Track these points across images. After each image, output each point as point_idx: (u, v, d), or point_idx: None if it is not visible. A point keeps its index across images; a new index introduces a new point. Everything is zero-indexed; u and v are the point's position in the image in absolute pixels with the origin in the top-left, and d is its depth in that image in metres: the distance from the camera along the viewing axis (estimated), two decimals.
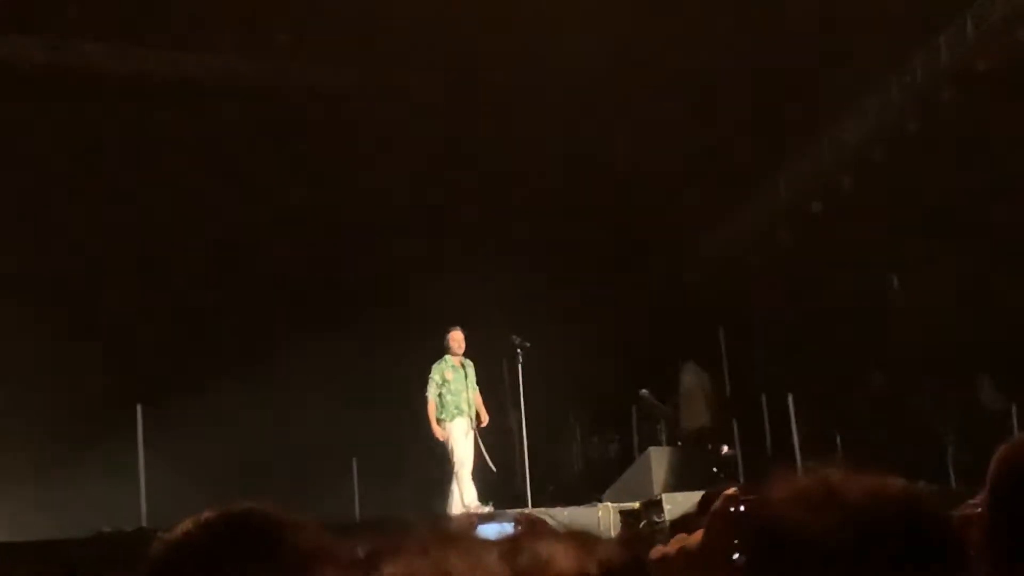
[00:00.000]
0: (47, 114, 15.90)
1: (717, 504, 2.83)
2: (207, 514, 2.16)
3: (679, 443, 16.62)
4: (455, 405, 13.68)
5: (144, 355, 16.06)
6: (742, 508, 2.74)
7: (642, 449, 15.91)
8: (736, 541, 2.45)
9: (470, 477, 13.56)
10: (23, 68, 15.81)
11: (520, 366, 13.79)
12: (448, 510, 13.32)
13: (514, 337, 13.80)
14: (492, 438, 14.26)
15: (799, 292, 17.08)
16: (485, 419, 13.76)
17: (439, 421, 13.62)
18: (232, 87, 17.06)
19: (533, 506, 13.19)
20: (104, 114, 16.19)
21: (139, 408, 12.64)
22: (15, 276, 15.55)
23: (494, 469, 13.70)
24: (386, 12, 15.83)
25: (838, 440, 15.83)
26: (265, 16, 16.11)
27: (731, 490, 2.85)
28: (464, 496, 13.47)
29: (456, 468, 13.55)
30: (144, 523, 11.98)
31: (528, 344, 13.72)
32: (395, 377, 15.49)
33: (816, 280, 16.83)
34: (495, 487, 14.18)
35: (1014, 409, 14.26)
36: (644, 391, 17.36)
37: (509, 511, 12.96)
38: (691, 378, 17.27)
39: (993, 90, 14.99)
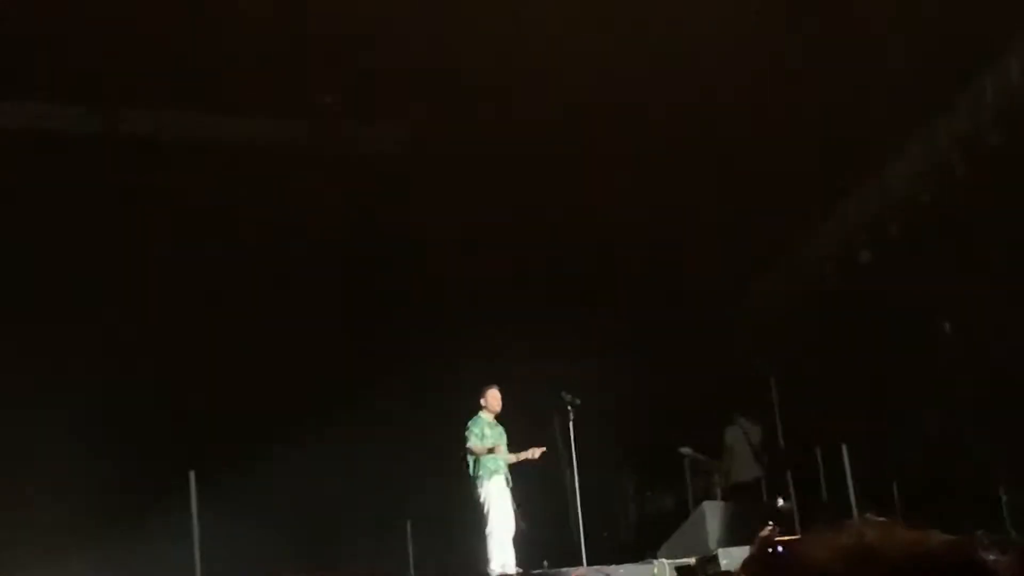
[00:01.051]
0: (92, 178, 16.01)
1: (754, 546, 2.82)
2: None
3: (728, 498, 16.48)
4: (493, 462, 13.62)
5: (196, 421, 16.11)
6: (779, 549, 2.71)
7: (696, 503, 15.80)
8: None
9: (506, 540, 13.45)
10: (73, 137, 15.96)
11: (571, 423, 13.75)
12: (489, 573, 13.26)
13: (564, 394, 13.77)
14: (545, 495, 14.23)
15: (851, 340, 16.95)
16: (538, 452, 13.72)
17: (476, 478, 13.56)
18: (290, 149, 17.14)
19: (588, 563, 13.11)
20: (145, 178, 16.27)
21: (192, 475, 12.67)
22: (70, 342, 15.67)
23: (523, 526, 13.62)
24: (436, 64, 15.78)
25: (895, 488, 15.66)
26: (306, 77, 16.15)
27: (766, 531, 2.84)
28: (493, 559, 13.36)
29: (490, 529, 13.46)
30: None
31: (578, 401, 13.68)
32: (444, 436, 15.51)
33: (867, 327, 16.71)
34: (551, 545, 14.12)
35: None
36: (685, 449, 17.26)
37: (564, 570, 12.95)
38: (733, 434, 17.14)
39: None
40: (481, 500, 13.57)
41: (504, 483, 13.60)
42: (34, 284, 15.74)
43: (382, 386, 16.82)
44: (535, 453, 13.77)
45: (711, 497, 16.30)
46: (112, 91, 15.74)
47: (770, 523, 15.75)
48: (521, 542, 13.65)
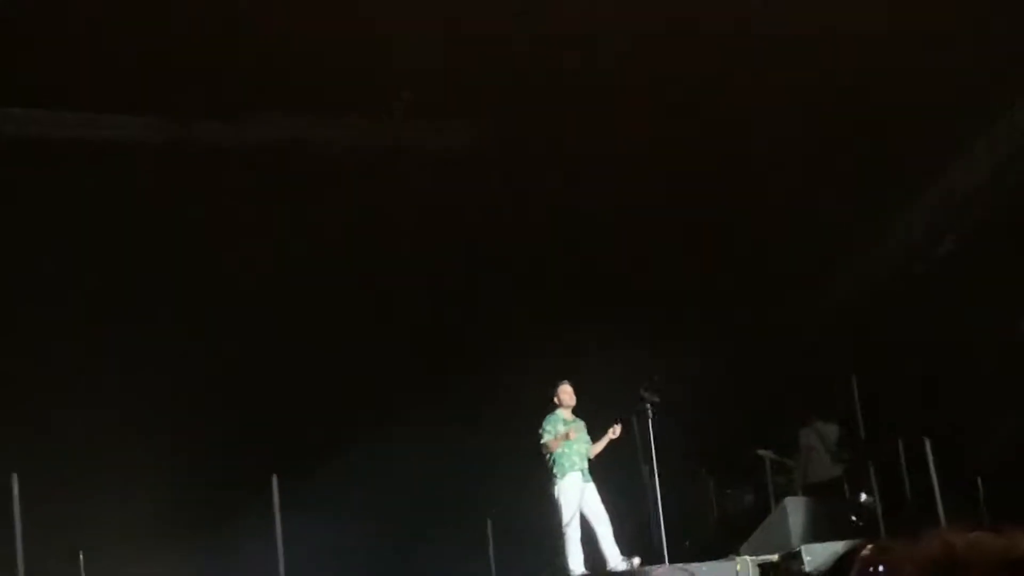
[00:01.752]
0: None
1: (855, 570, 2.79)
2: None
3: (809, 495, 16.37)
4: (567, 459, 13.62)
5: (278, 424, 16.24)
6: (881, 569, 2.69)
7: (778, 500, 15.70)
8: None
9: (578, 540, 13.46)
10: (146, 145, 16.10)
11: (650, 421, 13.71)
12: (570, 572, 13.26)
13: (643, 392, 13.73)
14: (626, 495, 14.20)
15: (934, 333, 16.77)
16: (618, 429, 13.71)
17: (552, 476, 13.58)
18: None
19: (670, 561, 13.08)
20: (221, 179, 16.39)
21: (275, 478, 12.79)
22: (153, 348, 15.86)
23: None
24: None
25: (979, 484, 15.47)
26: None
27: (866, 551, 2.80)
28: (571, 559, 13.36)
29: (565, 526, 13.47)
30: None
31: (657, 399, 13.64)
32: (524, 431, 15.57)
33: (951, 320, 16.52)
34: (633, 543, 14.08)
35: None
36: (763, 451, 17.18)
37: (646, 568, 12.93)
38: (807, 436, 17.05)
39: None
40: (556, 497, 13.60)
41: (580, 479, 13.60)
42: (121, 283, 15.84)
43: (460, 384, 16.89)
44: (615, 431, 13.73)
45: (792, 493, 16.20)
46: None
47: (854, 519, 15.70)
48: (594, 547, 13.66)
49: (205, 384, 16.13)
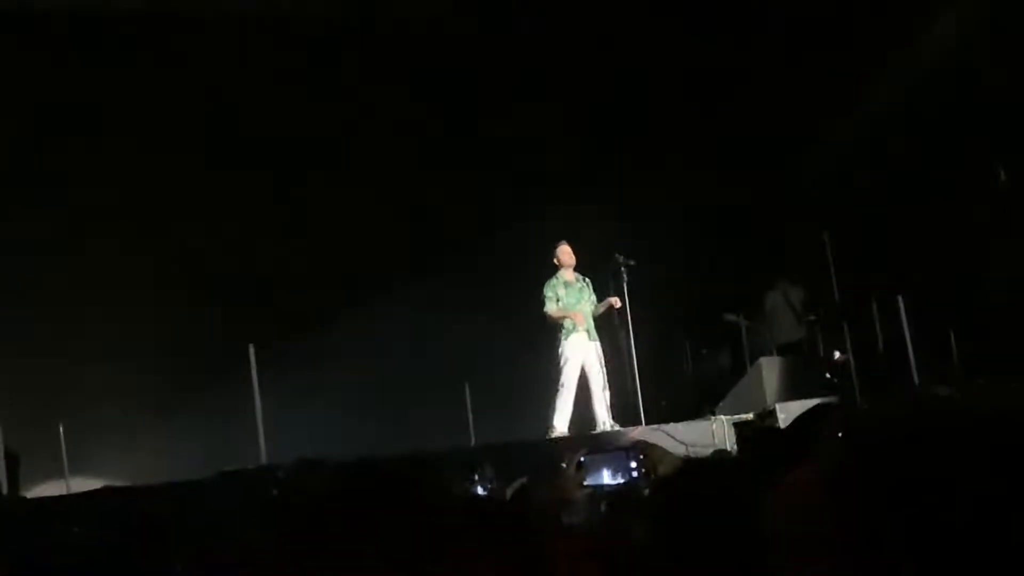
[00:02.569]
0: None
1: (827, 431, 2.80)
2: None
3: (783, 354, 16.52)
4: (571, 322, 13.71)
5: (252, 294, 16.19)
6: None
7: (753, 360, 15.83)
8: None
9: (570, 400, 13.59)
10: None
11: (626, 284, 13.76)
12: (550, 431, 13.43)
13: (618, 256, 13.76)
14: (604, 357, 14.27)
15: (905, 192, 16.77)
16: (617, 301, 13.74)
17: (556, 336, 13.68)
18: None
19: (646, 423, 13.22)
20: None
21: (251, 348, 12.79)
22: (117, 218, 15.75)
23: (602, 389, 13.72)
24: None
25: (952, 340, 15.61)
26: None
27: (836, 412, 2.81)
28: (556, 418, 13.52)
29: (562, 382, 13.61)
30: (264, 460, 12.14)
31: (632, 262, 13.66)
32: (499, 298, 15.62)
33: (922, 178, 16.53)
34: (611, 405, 14.18)
35: None
36: (729, 315, 17.27)
37: (623, 429, 13.06)
38: (773, 299, 17.17)
39: None
40: (560, 354, 13.74)
41: (586, 338, 13.71)
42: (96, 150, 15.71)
43: (437, 251, 16.89)
44: (615, 302, 13.80)
45: (767, 353, 16.33)
46: None
47: (828, 376, 15.86)
48: (586, 405, 13.81)
49: (183, 256, 16.06)
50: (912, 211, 16.69)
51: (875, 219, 17.21)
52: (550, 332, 13.86)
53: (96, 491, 11.36)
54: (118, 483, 13.07)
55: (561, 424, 13.53)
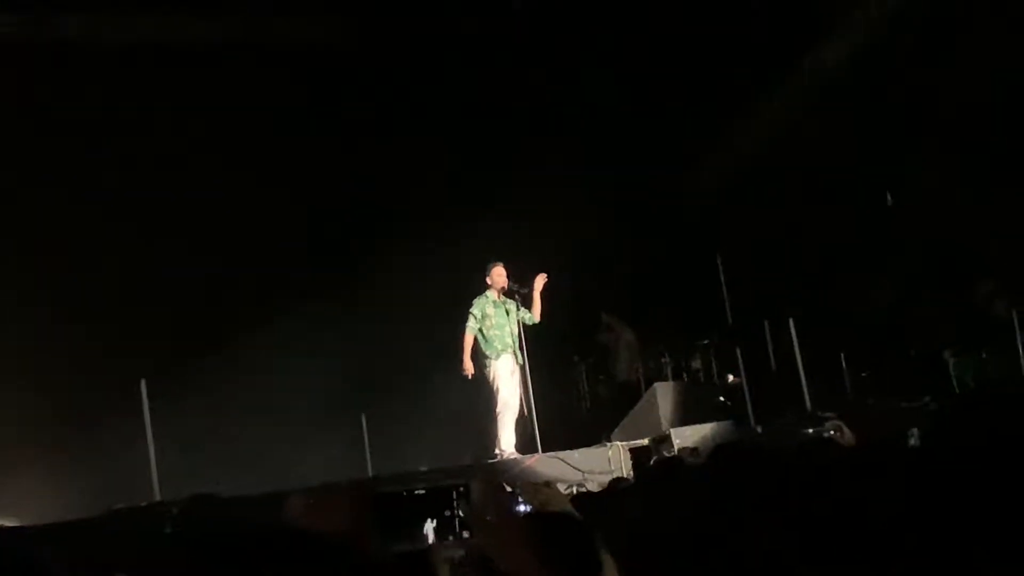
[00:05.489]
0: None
1: None
2: None
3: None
4: (500, 340, 13.57)
5: (143, 328, 15.95)
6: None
7: (648, 385, 15.89)
8: None
9: (512, 421, 13.51)
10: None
11: (518, 311, 13.72)
12: (495, 454, 13.33)
13: (512, 284, 13.72)
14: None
15: (795, 213, 17.01)
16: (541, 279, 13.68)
17: (484, 358, 13.56)
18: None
19: (543, 450, 13.20)
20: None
21: (143, 382, 12.62)
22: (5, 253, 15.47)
23: (525, 413, 13.62)
24: None
25: (843, 360, 15.85)
26: None
27: None
28: (502, 440, 13.41)
29: (499, 409, 13.50)
30: (157, 497, 11.98)
31: (525, 290, 13.65)
32: (390, 323, 15.55)
33: (810, 202, 16.79)
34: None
35: (1015, 313, 14.25)
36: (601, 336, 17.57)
37: (520, 457, 13.05)
38: (604, 336, 17.49)
39: None
40: (490, 379, 13.61)
41: (514, 361, 13.61)
42: None
43: (329, 284, 16.79)
44: (539, 283, 13.73)
45: (663, 378, 16.43)
46: None
47: (722, 399, 16.01)
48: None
49: (73, 290, 15.78)
50: (804, 234, 16.95)
51: (767, 242, 17.44)
52: (482, 351, 13.66)
53: None
54: (4, 522, 12.79)
55: (509, 446, 13.41)
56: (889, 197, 16.51)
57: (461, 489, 2.63)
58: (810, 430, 10.55)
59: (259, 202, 16.66)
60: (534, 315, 13.64)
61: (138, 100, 16.12)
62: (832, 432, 6.16)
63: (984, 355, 14.57)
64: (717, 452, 3.64)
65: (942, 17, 15.38)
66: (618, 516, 3.56)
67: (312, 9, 16.97)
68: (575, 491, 8.87)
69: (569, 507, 3.48)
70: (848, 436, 5.63)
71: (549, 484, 7.22)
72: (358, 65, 17.23)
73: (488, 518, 2.24)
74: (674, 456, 11.27)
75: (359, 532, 2.18)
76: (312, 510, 2.14)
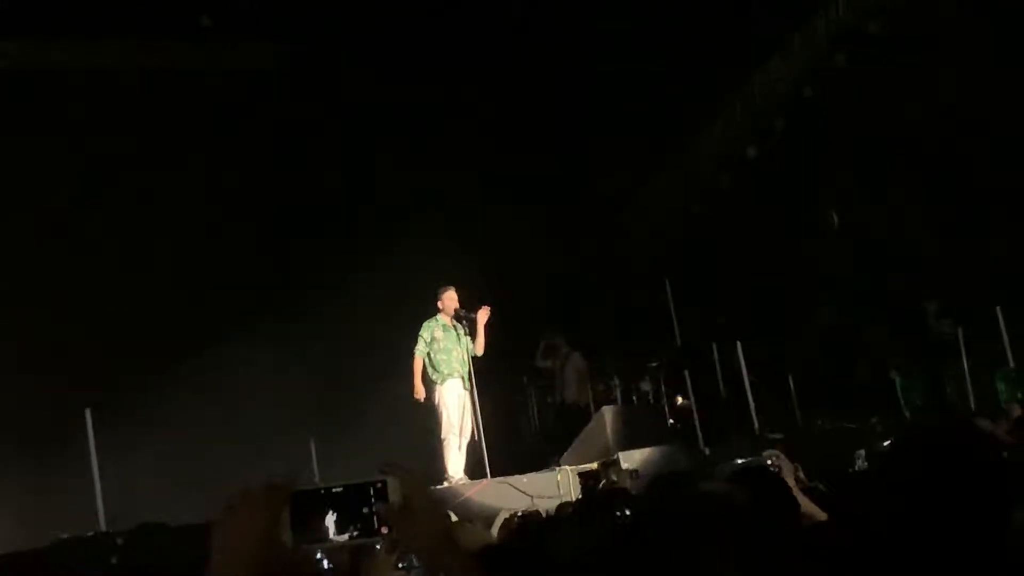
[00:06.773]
0: None
1: None
2: None
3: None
4: (447, 365, 13.46)
5: (87, 358, 15.82)
6: None
7: (597, 408, 15.86)
8: None
9: (460, 446, 13.42)
10: None
11: (466, 334, 13.67)
12: (442, 480, 13.24)
13: (459, 309, 13.68)
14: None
15: (741, 239, 17.12)
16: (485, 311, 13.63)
17: (431, 382, 13.47)
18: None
19: (492, 475, 13.16)
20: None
21: (88, 411, 12.51)
22: None
23: (477, 438, 13.52)
24: None
25: (790, 381, 15.92)
26: None
27: None
28: (449, 466, 13.32)
29: (444, 434, 13.41)
30: (103, 527, 11.84)
31: (473, 315, 13.61)
32: (339, 351, 15.50)
33: (756, 225, 16.89)
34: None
35: (960, 333, 14.37)
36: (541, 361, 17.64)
37: (470, 482, 13.00)
38: (546, 360, 17.54)
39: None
40: (435, 404, 13.50)
41: (461, 386, 13.54)
42: None
43: (279, 309, 16.73)
44: (482, 316, 13.68)
45: (612, 401, 16.42)
46: None
47: (672, 422, 16.03)
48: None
49: (17, 315, 15.65)
50: (750, 257, 17.05)
51: (715, 266, 17.54)
52: (429, 376, 13.60)
53: None
54: None
55: (456, 471, 13.32)
56: (835, 219, 16.62)
57: (379, 485, 2.60)
58: (747, 459, 10.56)
59: (202, 228, 16.63)
60: (476, 349, 13.58)
61: (85, 124, 16.06)
62: (770, 461, 6.16)
63: (931, 376, 14.70)
64: (654, 483, 3.65)
65: (885, 40, 15.53)
66: (555, 544, 3.56)
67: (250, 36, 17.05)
68: (520, 514, 8.79)
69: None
70: (787, 465, 5.63)
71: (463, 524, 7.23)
72: (306, 90, 17.26)
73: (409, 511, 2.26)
74: (615, 486, 11.29)
75: (277, 527, 2.23)
76: (231, 511, 2.16)
